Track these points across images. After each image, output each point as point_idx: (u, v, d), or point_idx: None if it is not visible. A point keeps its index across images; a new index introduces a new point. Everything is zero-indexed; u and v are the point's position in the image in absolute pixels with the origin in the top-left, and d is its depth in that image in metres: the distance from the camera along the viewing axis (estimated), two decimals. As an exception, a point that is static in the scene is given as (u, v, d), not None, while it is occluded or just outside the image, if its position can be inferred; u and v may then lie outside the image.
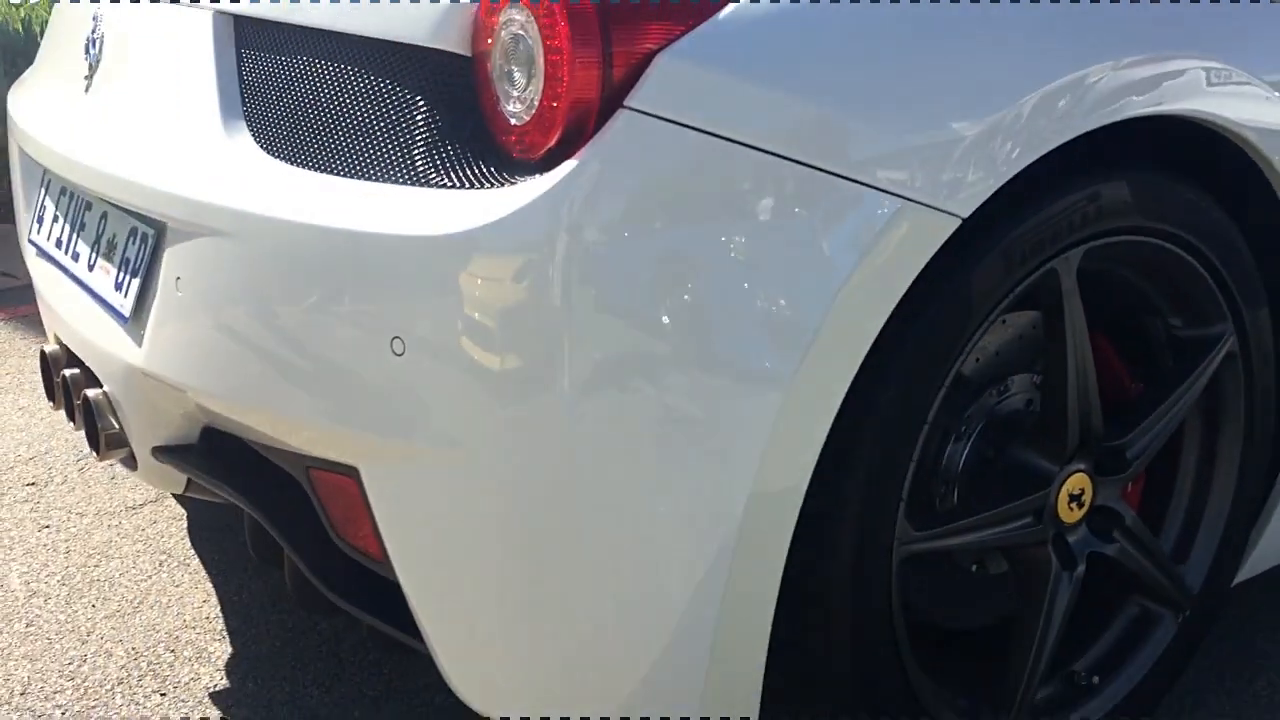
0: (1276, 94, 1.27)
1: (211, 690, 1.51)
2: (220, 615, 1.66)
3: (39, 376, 1.85)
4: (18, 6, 4.86)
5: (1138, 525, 1.37)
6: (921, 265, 1.06)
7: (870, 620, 1.17)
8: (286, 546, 1.27)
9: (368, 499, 1.14)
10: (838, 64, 1.05)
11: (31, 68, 1.88)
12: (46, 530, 1.89)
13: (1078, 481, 1.30)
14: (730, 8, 1.02)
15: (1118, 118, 1.15)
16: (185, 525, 1.90)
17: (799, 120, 1.02)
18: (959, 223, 1.06)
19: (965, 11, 1.10)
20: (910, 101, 1.06)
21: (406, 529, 1.13)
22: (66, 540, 1.86)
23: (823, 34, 1.05)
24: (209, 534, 1.87)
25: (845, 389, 1.05)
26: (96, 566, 1.79)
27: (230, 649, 1.59)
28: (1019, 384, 1.32)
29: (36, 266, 1.66)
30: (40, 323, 1.82)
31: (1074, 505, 1.31)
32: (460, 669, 1.17)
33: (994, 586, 1.38)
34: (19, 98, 1.78)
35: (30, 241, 1.67)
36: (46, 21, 3.51)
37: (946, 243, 1.07)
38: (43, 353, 1.60)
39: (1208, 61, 1.22)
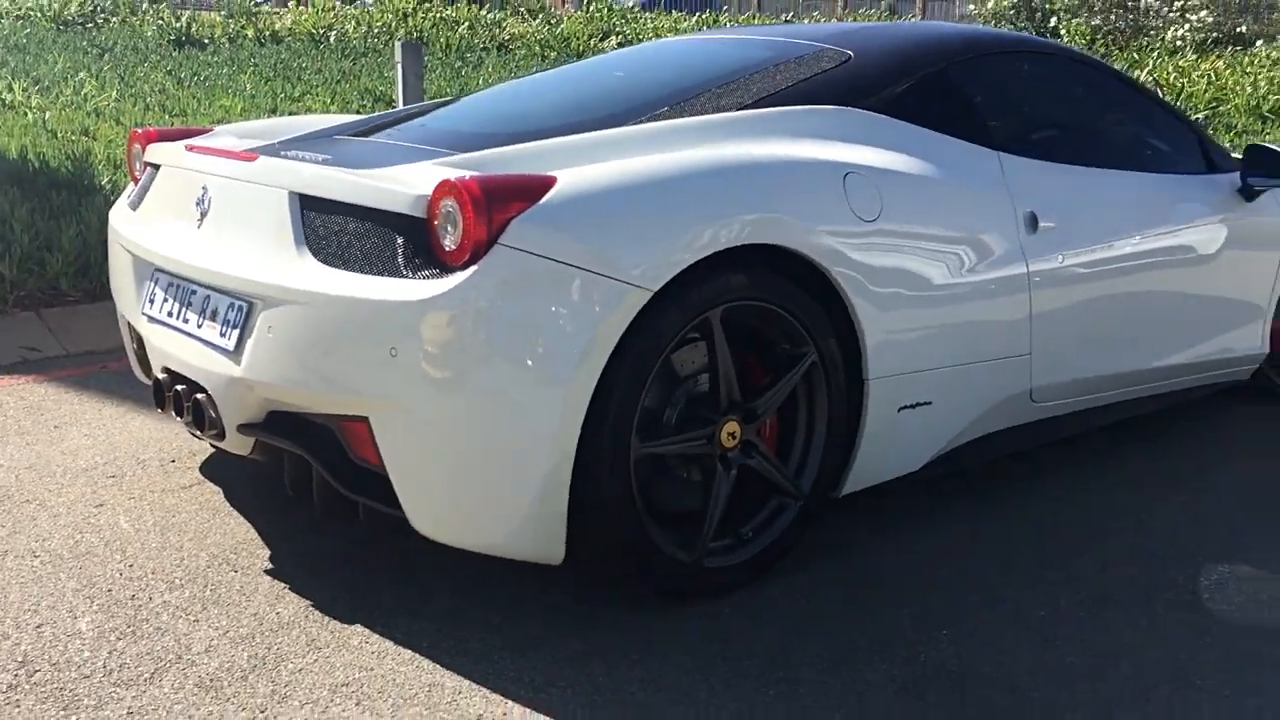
0: (816, 228, 2.57)
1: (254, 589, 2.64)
2: (258, 541, 2.80)
3: (88, 414, 2.97)
4: None
5: (767, 452, 2.63)
6: (635, 314, 2.30)
7: (620, 493, 2.38)
8: (320, 466, 2.44)
9: (373, 433, 2.33)
10: (602, 221, 2.31)
11: (130, 201, 3.07)
12: (131, 501, 3.00)
13: (731, 426, 2.56)
14: (548, 195, 2.28)
15: (736, 244, 2.44)
16: (219, 496, 3.03)
17: (582, 248, 2.27)
18: (652, 293, 2.32)
19: (663, 194, 2.38)
20: (637, 238, 2.32)
21: (394, 446, 2.32)
22: (149, 505, 2.97)
23: (594, 207, 2.31)
24: (238, 501, 3.01)
25: (597, 379, 2.28)
26: (173, 516, 2.91)
27: (262, 563, 2.72)
28: (704, 377, 2.58)
29: (148, 328, 2.80)
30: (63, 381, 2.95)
31: (730, 438, 2.56)
32: (421, 520, 2.35)
33: (696, 487, 2.62)
34: (127, 221, 2.98)
35: (143, 314, 2.82)
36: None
37: (649, 303, 2.32)
38: (156, 379, 2.75)
39: (776, 214, 2.52)
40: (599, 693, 2.22)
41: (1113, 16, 16.47)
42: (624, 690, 2.23)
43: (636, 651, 2.37)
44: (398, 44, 7.03)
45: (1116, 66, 12.28)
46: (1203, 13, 16.52)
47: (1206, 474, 3.43)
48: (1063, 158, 3.35)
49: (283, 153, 2.75)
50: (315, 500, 2.53)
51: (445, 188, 2.26)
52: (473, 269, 2.22)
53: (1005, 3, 17.19)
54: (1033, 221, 3.11)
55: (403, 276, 2.30)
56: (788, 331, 2.64)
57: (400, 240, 2.33)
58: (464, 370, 2.24)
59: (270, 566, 2.67)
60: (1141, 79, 11.20)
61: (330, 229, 2.44)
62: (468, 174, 2.27)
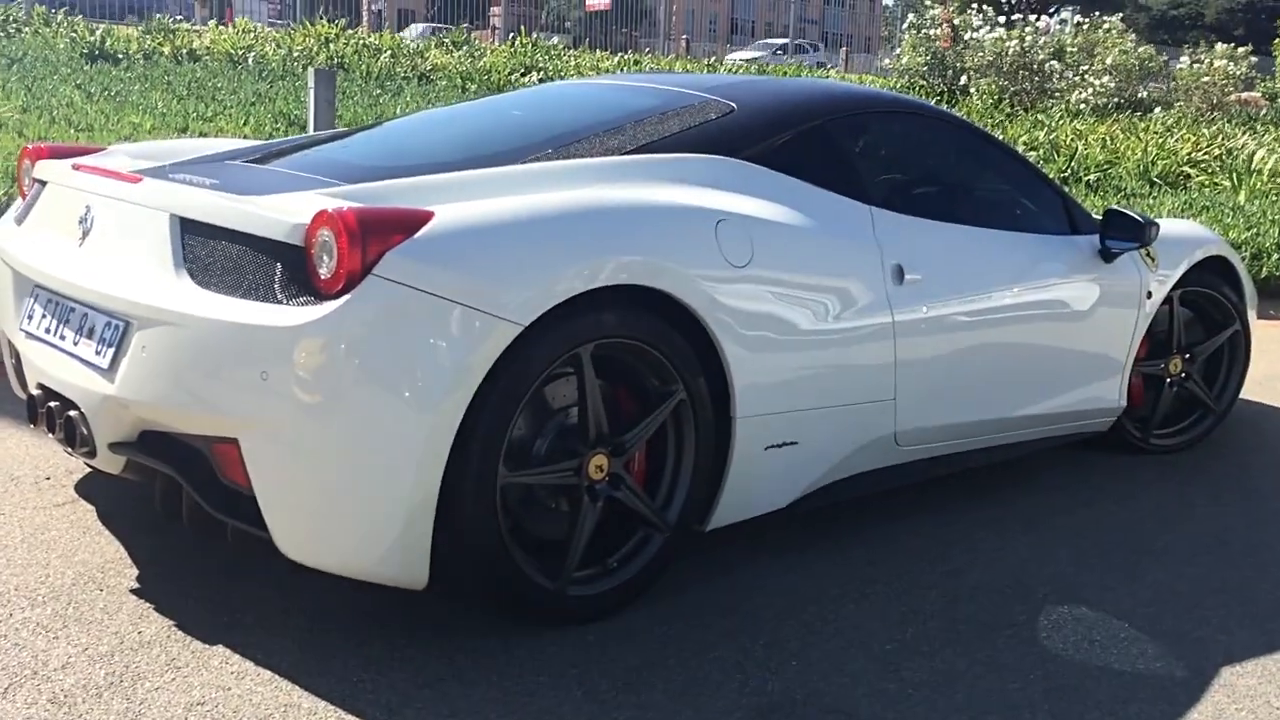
0: (687, 271, 2.69)
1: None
2: (127, 560, 2.81)
3: None
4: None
5: (634, 484, 2.72)
6: (504, 347, 2.39)
7: (485, 521, 2.45)
8: (189, 487, 2.47)
9: (242, 455, 2.37)
10: (476, 257, 2.40)
11: (16, 216, 3.07)
12: (1, 517, 3.00)
13: (599, 459, 2.65)
14: (424, 229, 2.36)
15: (607, 283, 2.54)
16: (92, 514, 3.03)
17: (454, 282, 2.35)
18: (522, 328, 2.40)
19: (536, 233, 2.48)
20: (510, 274, 2.41)
21: (262, 468, 2.36)
22: (19, 522, 2.97)
23: (469, 242, 2.40)
24: (107, 520, 3.01)
25: (464, 409, 2.35)
26: (43, 533, 2.91)
27: (129, 581, 2.74)
28: (575, 410, 2.66)
29: (25, 344, 2.81)
30: None
31: (598, 470, 2.65)
32: (287, 542, 2.39)
33: (563, 517, 2.70)
34: (11, 236, 2.97)
35: (21, 329, 2.83)
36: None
37: (519, 337, 2.41)
38: (30, 395, 2.76)
39: (647, 257, 2.63)
40: (455, 714, 2.28)
41: (1019, 78, 17.03)
42: (480, 712, 2.30)
43: (496, 673, 2.43)
44: (310, 71, 7.06)
45: (1022, 126, 12.75)
46: (1105, 78, 17.19)
47: (1056, 518, 3.60)
48: (932, 214, 3.52)
49: (169, 176, 2.79)
50: (185, 520, 2.56)
51: (323, 218, 2.33)
52: (346, 298, 2.29)
53: (919, 60, 17.69)
54: (899, 273, 3.26)
55: (277, 303, 2.35)
56: (658, 369, 2.74)
57: (277, 267, 2.39)
58: (333, 396, 2.30)
59: (137, 585, 2.69)
60: (1041, 139, 11.64)
61: (209, 253, 2.49)
62: (345, 205, 2.35)
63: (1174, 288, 4.21)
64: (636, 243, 2.64)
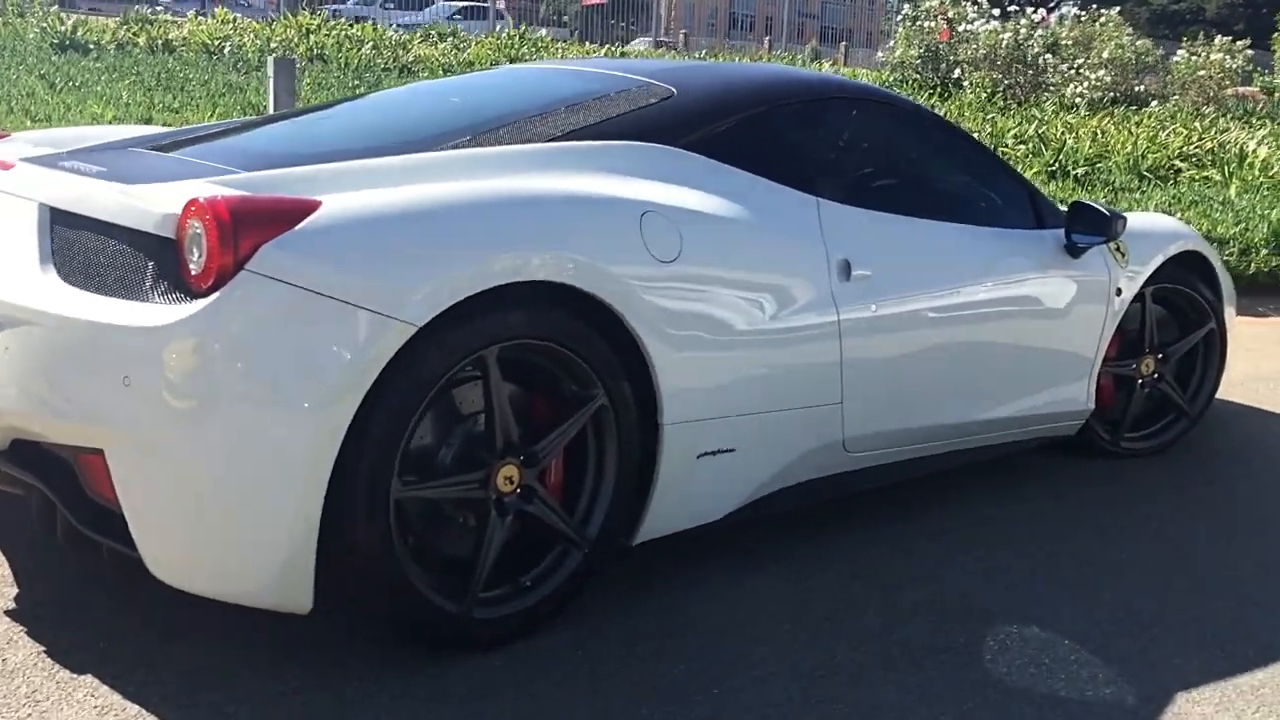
0: (605, 267, 2.50)
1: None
2: (6, 578, 2.62)
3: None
4: None
5: (548, 497, 2.53)
6: (396, 350, 2.20)
7: (377, 539, 2.25)
8: (59, 502, 2.28)
9: (109, 467, 2.18)
10: (365, 251, 2.21)
11: None
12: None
13: (509, 470, 2.46)
14: (307, 220, 2.17)
15: (513, 280, 2.34)
16: (-18, 523, 2.84)
17: (340, 279, 2.16)
18: (416, 329, 2.21)
19: (434, 225, 2.28)
20: (403, 270, 2.22)
21: (129, 483, 2.17)
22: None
23: (357, 235, 2.21)
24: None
25: (351, 418, 2.16)
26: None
27: (5, 602, 2.55)
28: (483, 416, 2.48)
29: None
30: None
31: (508, 482, 2.46)
32: (158, 564, 2.20)
33: (471, 532, 2.51)
34: None
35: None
36: None
37: (413, 339, 2.22)
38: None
39: (558, 251, 2.43)
40: (336, 750, 2.10)
41: (1013, 71, 16.82)
42: (364, 747, 2.11)
43: (391, 706, 2.25)
44: (270, 60, 6.87)
45: (1013, 120, 12.53)
46: (1100, 71, 16.99)
47: (1010, 529, 3.41)
48: (886, 207, 3.33)
49: (52, 163, 2.60)
50: (61, 538, 2.37)
51: (193, 208, 2.14)
52: (216, 296, 2.10)
53: (912, 53, 17.48)
54: (846, 269, 3.07)
55: (145, 300, 2.16)
56: (575, 373, 2.55)
57: (148, 262, 2.20)
58: (203, 404, 2.11)
59: (12, 607, 2.50)
60: (1030, 133, 11.43)
61: (79, 246, 2.30)
62: (221, 194, 2.16)
63: (1146, 284, 4.01)
64: (547, 236, 2.45)
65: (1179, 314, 4.25)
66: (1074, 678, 2.55)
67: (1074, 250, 3.72)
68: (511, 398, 2.55)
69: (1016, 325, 3.60)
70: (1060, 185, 9.80)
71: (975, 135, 11.46)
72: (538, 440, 2.52)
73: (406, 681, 2.33)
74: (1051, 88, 16.86)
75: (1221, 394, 4.95)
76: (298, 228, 2.17)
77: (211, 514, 2.15)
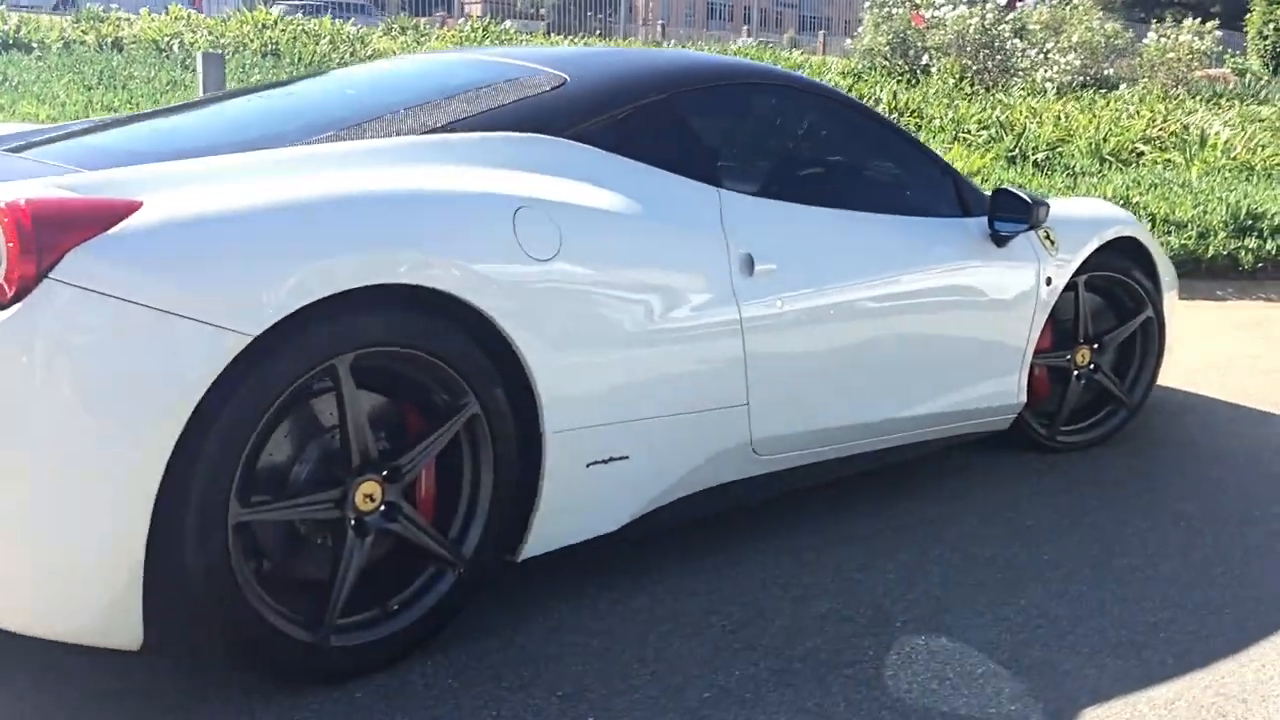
0: (471, 266, 2.33)
1: None
2: None
3: None
4: None
5: (414, 514, 2.37)
6: (228, 363, 2.03)
7: (213, 566, 2.09)
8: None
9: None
10: (190, 255, 2.04)
11: None
12: None
13: (369, 487, 2.30)
14: (123, 224, 2.00)
15: (365, 283, 2.18)
16: None
17: (160, 286, 1.99)
18: (251, 339, 2.05)
19: (273, 226, 2.12)
20: (235, 275, 2.05)
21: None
22: None
23: (182, 238, 2.04)
24: None
25: (177, 437, 1.99)
26: None
27: None
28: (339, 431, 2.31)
29: None
30: None
31: (368, 500, 2.30)
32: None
33: (327, 551, 2.34)
34: None
35: None
36: None
37: (248, 350, 2.05)
38: None
39: (416, 251, 2.27)
40: (166, 796, 1.94)
41: (981, 57, 16.69)
42: (197, 792, 1.95)
43: (232, 743, 2.09)
44: (198, 55, 6.69)
45: (978, 105, 12.38)
46: (1070, 55, 16.89)
47: (933, 530, 3.26)
48: (796, 197, 3.18)
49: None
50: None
51: (-2, 213, 1.96)
52: (16, 308, 1.93)
53: (880, 40, 17.33)
54: (749, 264, 2.92)
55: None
56: (444, 381, 2.39)
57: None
58: (8, 425, 1.94)
59: None
60: (993, 117, 11.29)
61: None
62: (27, 196, 1.98)
63: (1078, 272, 3.87)
64: (403, 235, 2.28)
65: (1115, 302, 4.12)
66: (978, 692, 2.41)
67: (999, 239, 3.58)
68: (377, 409, 2.40)
69: (939, 318, 3.45)
70: (1020, 170, 9.68)
71: (938, 121, 11.33)
72: (403, 454, 2.36)
73: (254, 716, 2.17)
74: (1020, 73, 16.75)
75: (1173, 382, 4.86)
76: (111, 231, 2.00)
77: (22, 545, 1.98)
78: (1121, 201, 8.24)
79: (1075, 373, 4.00)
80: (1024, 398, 3.78)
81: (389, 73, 3.39)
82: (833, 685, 2.41)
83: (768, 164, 3.31)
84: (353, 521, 2.30)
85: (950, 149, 9.78)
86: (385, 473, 2.33)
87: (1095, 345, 4.02)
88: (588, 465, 2.64)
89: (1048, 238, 3.76)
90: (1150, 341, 4.13)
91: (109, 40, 12.33)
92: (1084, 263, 3.86)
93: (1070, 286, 3.89)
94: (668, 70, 3.19)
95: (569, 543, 2.69)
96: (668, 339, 2.75)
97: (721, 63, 3.40)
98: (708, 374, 2.86)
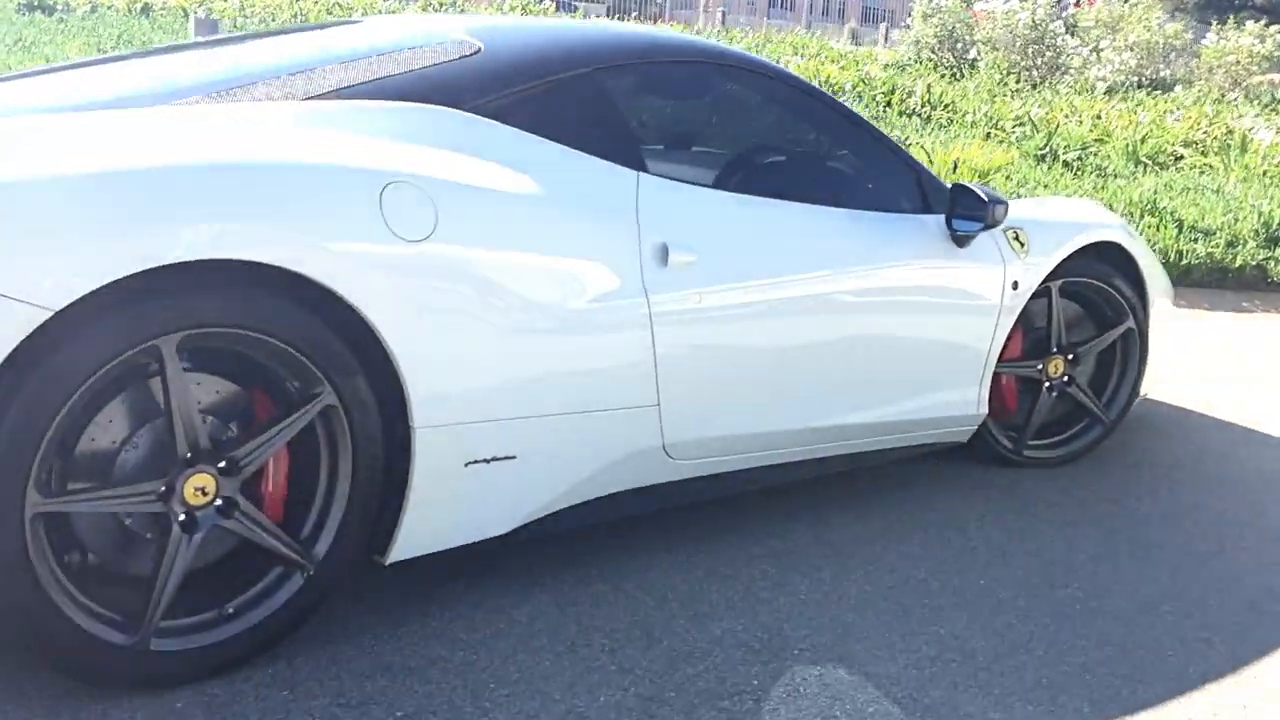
0: (324, 244, 2.14)
1: None
2: None
3: None
4: None
5: (254, 511, 2.19)
6: (22, 339, 1.86)
7: (6, 560, 1.92)
8: None
9: None
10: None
11: None
12: None
13: (201, 479, 2.12)
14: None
15: (194, 257, 1.99)
16: None
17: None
18: (51, 313, 1.87)
19: (88, 191, 1.94)
20: (37, 242, 1.88)
21: None
22: None
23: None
24: None
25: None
26: None
27: None
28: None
29: None
30: None
31: (199, 494, 2.12)
32: None
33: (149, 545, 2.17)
34: None
35: None
36: None
37: (48, 325, 1.87)
38: None
39: (255, 224, 2.08)
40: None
41: (1030, 53, 16.28)
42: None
43: (24, 752, 1.92)
44: (190, 18, 6.56)
45: (1019, 102, 11.99)
46: (1126, 54, 16.43)
47: (862, 548, 3.04)
48: (728, 186, 2.97)
49: None
50: None
51: None
52: None
53: (929, 32, 16.97)
54: (663, 253, 2.70)
55: None
56: (295, 368, 2.21)
57: None
58: None
59: None
60: (1033, 112, 10.94)
61: None
62: None
63: (1051, 277, 3.62)
64: (239, 207, 2.09)
65: (1095, 311, 3.85)
66: (862, 736, 2.19)
67: (959, 238, 3.33)
68: (226, 398, 2.23)
69: (889, 320, 3.22)
70: (1049, 170, 9.34)
71: (971, 116, 10.99)
72: (239, 446, 2.18)
73: (59, 723, 2.01)
74: (1071, 71, 16.31)
75: (1172, 398, 4.58)
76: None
77: None
78: (1148, 205, 7.91)
79: (1046, 384, 3.74)
80: (984, 409, 3.54)
81: (318, 35, 3.20)
82: (704, 718, 2.20)
83: (699, 149, 3.10)
84: (180, 516, 2.12)
85: (968, 146, 9.46)
86: (222, 465, 2.15)
87: (1070, 356, 3.76)
88: (466, 464, 2.45)
89: (1017, 239, 3.51)
90: (1130, 354, 3.86)
91: (139, 6, 12.29)
92: (1058, 267, 3.61)
93: (1043, 292, 3.64)
94: (592, 44, 2.97)
95: (448, 546, 2.50)
96: (563, 332, 2.55)
97: (653, 38, 3.17)
98: (611, 371, 2.66)
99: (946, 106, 11.53)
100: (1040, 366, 3.72)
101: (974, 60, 16.24)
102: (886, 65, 15.68)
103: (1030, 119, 10.56)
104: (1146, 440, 4.14)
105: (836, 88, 11.37)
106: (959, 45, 16.75)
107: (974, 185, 3.25)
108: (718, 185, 2.93)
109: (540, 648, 2.40)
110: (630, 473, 2.79)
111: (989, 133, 10.51)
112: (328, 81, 2.57)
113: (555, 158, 2.66)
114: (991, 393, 3.68)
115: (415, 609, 2.51)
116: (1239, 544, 3.25)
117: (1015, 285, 3.48)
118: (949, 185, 3.34)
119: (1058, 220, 3.69)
